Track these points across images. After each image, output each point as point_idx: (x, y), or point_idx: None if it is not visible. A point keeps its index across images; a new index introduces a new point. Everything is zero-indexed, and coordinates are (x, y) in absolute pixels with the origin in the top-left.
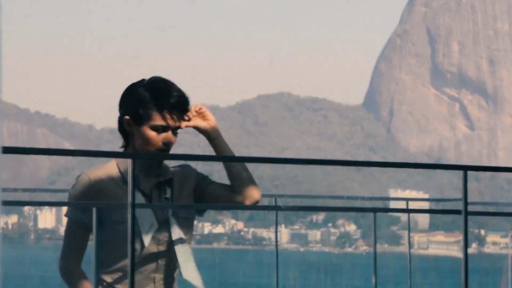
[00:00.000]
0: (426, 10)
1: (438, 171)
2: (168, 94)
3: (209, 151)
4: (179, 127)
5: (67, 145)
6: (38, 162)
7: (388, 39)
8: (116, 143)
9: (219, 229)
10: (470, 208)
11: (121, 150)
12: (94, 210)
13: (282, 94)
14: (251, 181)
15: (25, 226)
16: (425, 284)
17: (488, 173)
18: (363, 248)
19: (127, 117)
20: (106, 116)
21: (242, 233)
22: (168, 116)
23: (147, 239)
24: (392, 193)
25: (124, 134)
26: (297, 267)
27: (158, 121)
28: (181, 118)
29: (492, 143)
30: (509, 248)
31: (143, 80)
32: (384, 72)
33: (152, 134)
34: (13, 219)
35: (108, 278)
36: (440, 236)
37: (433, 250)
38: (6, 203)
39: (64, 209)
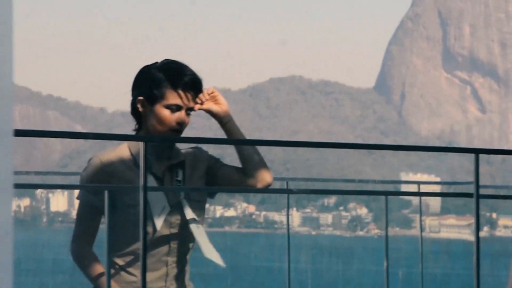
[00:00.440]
0: None
1: (450, 154)
2: (182, 73)
3: (221, 134)
4: (192, 109)
5: (79, 128)
6: (50, 145)
7: (400, 22)
8: (128, 127)
9: (230, 212)
10: (482, 191)
11: (134, 133)
12: (106, 193)
13: (294, 77)
14: (263, 164)
15: (37, 209)
16: (437, 267)
17: (499, 156)
18: (374, 231)
19: (140, 97)
20: (118, 99)
21: (253, 216)
22: (182, 95)
23: (159, 222)
24: (404, 177)
25: (137, 117)
26: (309, 250)
27: (172, 99)
28: (194, 99)
29: (504, 126)
30: None
31: (156, 62)
32: (396, 55)
33: (165, 113)
34: (25, 202)
35: (120, 261)
36: (451, 220)
37: (444, 234)
38: (18, 186)
39: (76, 192)
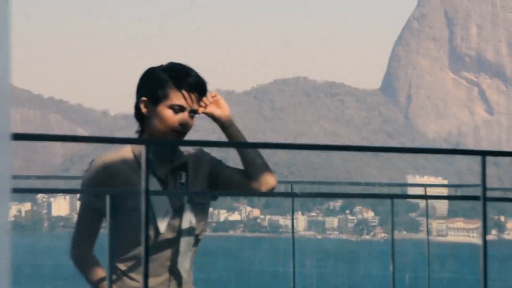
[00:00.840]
0: None
1: (457, 156)
2: (187, 74)
3: (225, 137)
4: (196, 111)
5: (81, 132)
6: (51, 149)
7: (406, 23)
8: (131, 129)
9: (235, 217)
10: (489, 194)
11: (136, 135)
12: (107, 197)
13: (298, 78)
14: (266, 168)
15: (38, 213)
16: (444, 272)
17: (507, 159)
18: (381, 235)
19: (144, 98)
20: (121, 102)
21: (258, 220)
22: (186, 96)
23: (162, 226)
24: (410, 179)
25: (140, 119)
26: (314, 254)
27: (176, 100)
28: (198, 101)
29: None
30: None
31: (161, 65)
32: (402, 56)
33: (169, 113)
34: (26, 206)
35: (122, 266)
36: (459, 223)
37: (452, 237)
38: (16, 190)
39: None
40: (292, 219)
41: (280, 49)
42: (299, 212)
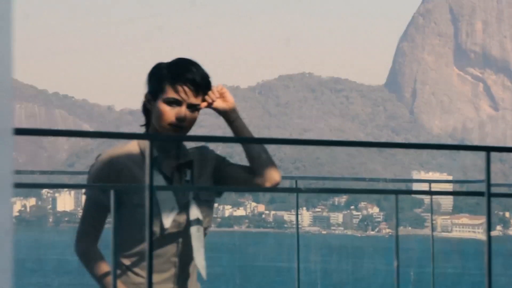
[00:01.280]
0: None
1: (462, 152)
2: (185, 69)
3: (230, 132)
4: (195, 105)
5: (86, 127)
6: (56, 144)
7: (411, 18)
8: (136, 125)
9: (240, 212)
10: (494, 190)
11: (142, 129)
12: (112, 192)
13: (303, 74)
14: (271, 163)
15: (43, 209)
16: (449, 267)
17: None
18: (386, 231)
19: (147, 93)
20: (126, 98)
21: (263, 215)
22: (180, 89)
23: (167, 222)
24: (415, 175)
25: (146, 113)
26: (319, 250)
27: (170, 93)
28: (197, 95)
29: None
30: None
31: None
32: (407, 52)
33: (165, 108)
34: (31, 201)
35: (127, 261)
36: (464, 219)
37: (456, 233)
38: (19, 185)
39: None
40: (297, 214)
41: (285, 45)
42: (304, 208)
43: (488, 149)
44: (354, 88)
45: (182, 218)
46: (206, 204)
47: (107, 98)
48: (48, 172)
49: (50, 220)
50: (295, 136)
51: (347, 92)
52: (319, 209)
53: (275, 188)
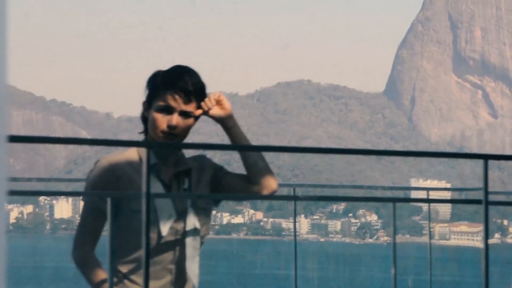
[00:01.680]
0: None
1: (461, 160)
2: (178, 77)
3: (228, 140)
4: (188, 112)
5: (84, 134)
6: (53, 151)
7: (410, 26)
8: (135, 132)
9: (238, 219)
10: (492, 197)
11: (140, 136)
12: (108, 200)
13: (302, 81)
14: (267, 171)
15: (40, 216)
16: (446, 275)
17: (511, 162)
18: (384, 238)
19: (144, 101)
20: (124, 104)
21: (261, 223)
22: (171, 97)
23: (165, 229)
24: (414, 183)
25: (144, 121)
26: (317, 258)
27: (162, 101)
28: (189, 102)
29: None
30: None
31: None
32: (406, 59)
33: (157, 116)
34: (28, 209)
35: (123, 269)
36: (463, 227)
37: (454, 241)
38: (13, 192)
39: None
40: (295, 222)
41: (284, 51)
42: (302, 215)
43: (486, 157)
44: (353, 96)
45: (180, 226)
46: (204, 212)
47: (106, 105)
48: (45, 180)
49: (48, 227)
50: (293, 143)
51: (346, 99)
52: (317, 217)
53: (273, 196)
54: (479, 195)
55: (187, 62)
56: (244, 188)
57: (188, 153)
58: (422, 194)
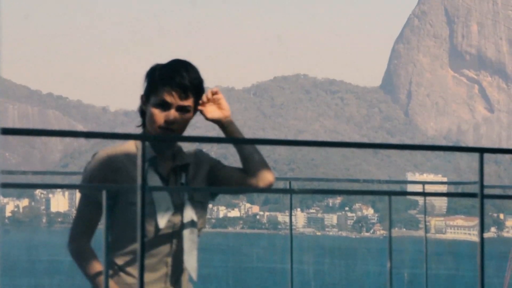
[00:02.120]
0: None
1: (457, 154)
2: (175, 72)
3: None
4: (185, 107)
5: (80, 128)
6: (49, 145)
7: (407, 20)
8: (131, 126)
9: (234, 213)
10: (488, 191)
11: (138, 129)
12: (104, 193)
13: (298, 76)
14: (263, 164)
15: (36, 209)
16: (442, 269)
17: (507, 156)
18: (380, 232)
19: (142, 95)
20: (121, 98)
21: (257, 217)
22: (169, 93)
23: (162, 222)
24: (410, 177)
25: (142, 115)
26: (313, 251)
27: (159, 97)
28: (187, 97)
29: None
30: None
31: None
32: (402, 53)
33: (155, 111)
34: (24, 202)
35: (120, 261)
36: (459, 220)
37: (451, 235)
38: (5, 185)
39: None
40: (291, 215)
41: (280, 46)
42: (298, 209)
43: (482, 151)
44: (349, 90)
45: (177, 219)
46: (200, 206)
47: (102, 99)
48: (41, 173)
49: (44, 221)
50: (290, 137)
51: (342, 93)
52: (314, 211)
53: (268, 189)
54: (475, 189)
55: (184, 56)
56: (241, 181)
57: (185, 146)
58: (418, 188)
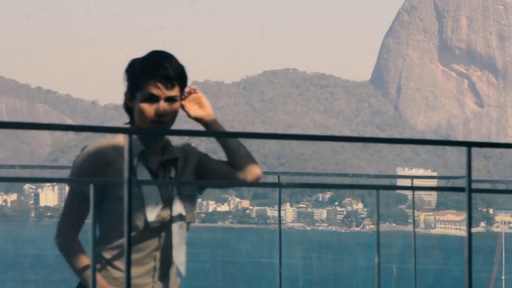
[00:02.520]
0: None
1: (447, 149)
2: (158, 64)
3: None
4: (173, 97)
5: (70, 122)
6: (38, 139)
7: (396, 14)
8: (121, 120)
9: (223, 208)
10: (478, 186)
11: (126, 126)
12: (91, 187)
13: (288, 70)
14: (250, 157)
15: (25, 204)
16: (430, 263)
17: (497, 151)
18: (369, 227)
19: (126, 92)
20: (110, 92)
21: (247, 211)
22: (155, 86)
23: (151, 216)
24: (400, 171)
25: (129, 111)
26: (302, 246)
27: (146, 90)
28: (173, 87)
29: (502, 120)
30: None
31: (144, 56)
32: (392, 48)
33: (144, 105)
34: (12, 197)
35: (107, 255)
36: (449, 215)
37: (440, 229)
38: None
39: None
40: (279, 210)
41: (269, 40)
42: (288, 204)
43: (469, 145)
44: (339, 84)
45: (166, 213)
46: (189, 200)
47: (92, 93)
48: (30, 167)
49: (32, 215)
50: (279, 132)
51: (332, 88)
52: (303, 205)
53: (256, 183)
54: (463, 183)
55: (172, 51)
56: (228, 174)
57: (174, 140)
58: (407, 183)
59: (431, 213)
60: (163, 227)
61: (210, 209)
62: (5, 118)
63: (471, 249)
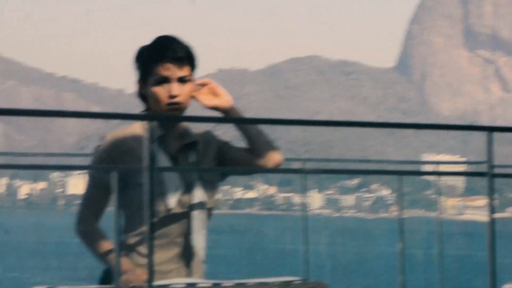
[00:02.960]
0: None
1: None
2: (165, 47)
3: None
4: (184, 77)
5: (97, 109)
6: (65, 127)
7: (420, 1)
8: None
9: (251, 194)
10: (501, 171)
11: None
12: (114, 174)
13: (313, 57)
14: (270, 144)
15: (53, 192)
16: (456, 249)
17: None
18: (396, 213)
19: (138, 79)
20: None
21: (274, 198)
22: (165, 67)
23: (172, 202)
24: (425, 158)
25: (144, 99)
26: (329, 232)
27: (157, 74)
28: (183, 67)
29: None
30: None
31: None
32: (416, 34)
33: (156, 89)
34: (40, 185)
35: (131, 241)
36: (479, 201)
37: (469, 215)
38: (16, 167)
39: None
40: (305, 196)
41: (295, 27)
42: (316, 190)
43: (490, 129)
44: (364, 71)
45: (187, 199)
46: (210, 185)
47: (117, 81)
48: (56, 155)
49: (61, 203)
50: (306, 118)
51: (357, 74)
52: (331, 192)
53: (280, 169)
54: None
55: (197, 39)
56: (249, 161)
57: (195, 128)
58: (431, 168)
59: (460, 199)
60: (184, 213)
61: (237, 196)
62: (32, 107)
63: (495, 236)
